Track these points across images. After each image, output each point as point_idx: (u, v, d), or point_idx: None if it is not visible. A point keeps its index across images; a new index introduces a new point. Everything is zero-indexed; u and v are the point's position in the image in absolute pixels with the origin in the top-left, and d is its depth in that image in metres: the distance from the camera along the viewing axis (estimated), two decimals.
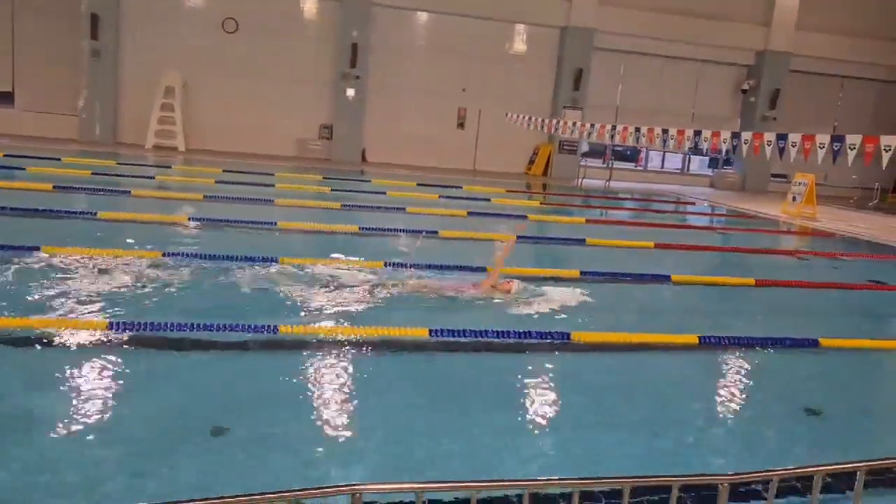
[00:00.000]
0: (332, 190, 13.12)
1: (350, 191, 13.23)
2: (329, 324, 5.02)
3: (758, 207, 17.25)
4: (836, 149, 9.42)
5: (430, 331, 4.94)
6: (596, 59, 21.81)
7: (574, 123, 16.51)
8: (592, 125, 15.64)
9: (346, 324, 5.03)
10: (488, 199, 13.90)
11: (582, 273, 7.39)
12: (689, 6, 21.77)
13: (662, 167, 27.21)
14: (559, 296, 6.36)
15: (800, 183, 16.44)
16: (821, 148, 9.42)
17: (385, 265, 6.89)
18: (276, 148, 20.33)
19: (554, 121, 16.35)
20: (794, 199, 16.44)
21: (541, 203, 14.03)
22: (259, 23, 19.70)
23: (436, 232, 9.27)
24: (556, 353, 4.97)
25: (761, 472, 2.53)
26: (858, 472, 2.51)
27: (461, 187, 15.71)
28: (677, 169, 26.49)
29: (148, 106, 18.56)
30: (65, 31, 18.50)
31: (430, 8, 20.56)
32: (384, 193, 13.39)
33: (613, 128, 14.53)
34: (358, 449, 3.34)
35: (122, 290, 5.42)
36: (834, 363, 5.44)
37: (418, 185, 15.46)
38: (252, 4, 19.61)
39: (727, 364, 5.18)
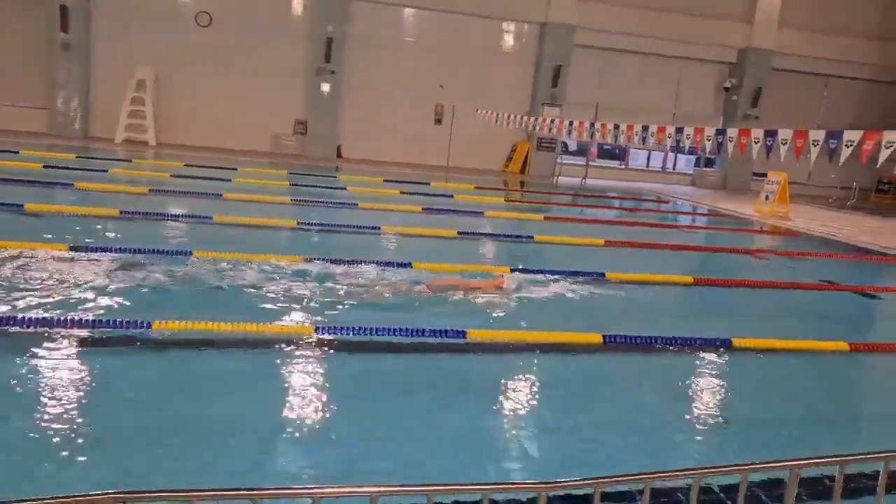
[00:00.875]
0: (290, 185, 12.96)
1: (310, 186, 13.05)
2: (200, 319, 4.84)
3: (732, 206, 17.06)
4: (769, 143, 9.22)
5: (316, 327, 4.77)
6: (576, 56, 21.60)
7: (535, 119, 16.29)
8: (552, 121, 15.48)
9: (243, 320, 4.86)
10: (451, 196, 13.72)
11: (511, 269, 7.21)
12: (671, 3, 21.56)
13: (648, 166, 27.06)
14: (478, 293, 6.19)
15: (773, 182, 16.25)
16: (755, 143, 9.23)
17: (304, 260, 6.72)
18: (250, 143, 20.14)
19: (518, 116, 16.15)
20: (766, 197, 16.24)
21: (505, 200, 13.85)
22: (233, 16, 19.51)
23: (378, 228, 9.10)
24: (451, 353, 4.79)
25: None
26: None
27: (429, 184, 15.53)
28: (663, 167, 26.34)
29: (120, 100, 18.40)
30: (35, 23, 18.33)
31: (408, 3, 20.37)
32: (344, 189, 13.24)
33: (570, 123, 14.34)
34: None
35: (9, 282, 5.25)
36: (744, 365, 5.25)
37: (385, 181, 15.28)
38: None
39: (630, 365, 5.00)
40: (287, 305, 5.39)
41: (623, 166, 25.13)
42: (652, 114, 22.84)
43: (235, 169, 14.60)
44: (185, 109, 19.46)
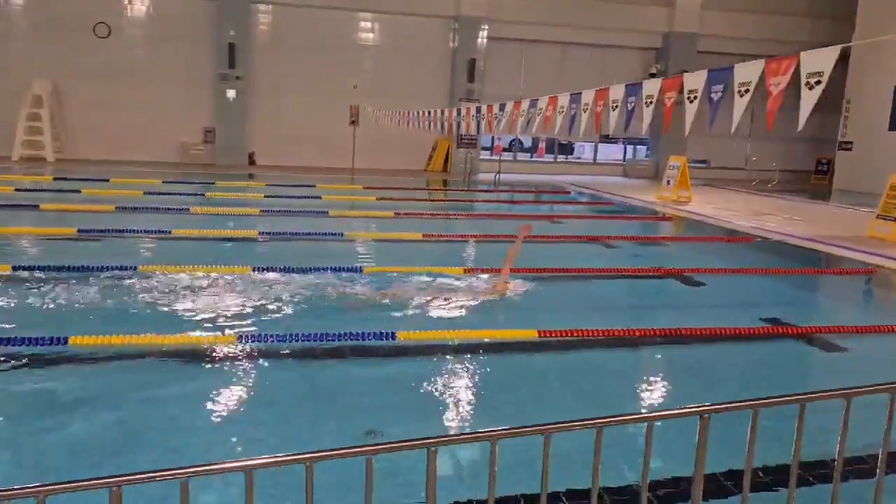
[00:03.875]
0: (145, 194, 12.51)
1: (169, 194, 12.63)
2: None
3: (637, 194, 16.50)
4: (573, 110, 8.43)
5: None
6: (494, 49, 21.16)
7: (441, 113, 15.80)
8: (459, 112, 14.96)
9: None
10: (319, 197, 13.27)
11: (254, 269, 6.74)
12: None
13: (594, 159, 26.58)
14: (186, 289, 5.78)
15: (674, 166, 15.71)
16: (560, 112, 8.55)
17: (14, 269, 6.27)
18: (159, 154, 19.74)
19: (421, 112, 15.70)
20: (668, 182, 15.69)
21: (377, 199, 13.37)
22: (132, 26, 19.21)
23: (168, 231, 8.65)
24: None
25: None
26: None
27: (314, 185, 15.09)
28: (616, 159, 25.72)
29: (17, 116, 18.05)
30: None
31: (313, 3, 19.95)
32: (202, 195, 12.81)
33: (479, 111, 13.66)
34: None
35: None
36: (410, 361, 4.75)
37: (267, 185, 14.88)
38: (123, 7, 19.10)
39: (249, 367, 4.48)
40: None
41: (553, 160, 24.60)
42: (578, 103, 22.31)
43: (107, 180, 14.23)
44: (89, 123, 19.13)
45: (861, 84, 19.78)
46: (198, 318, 5.26)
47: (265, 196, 12.91)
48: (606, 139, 25.28)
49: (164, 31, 19.35)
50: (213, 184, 14.82)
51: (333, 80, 20.46)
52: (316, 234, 9.17)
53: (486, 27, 20.75)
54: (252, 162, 20.30)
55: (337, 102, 20.56)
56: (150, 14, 19.29)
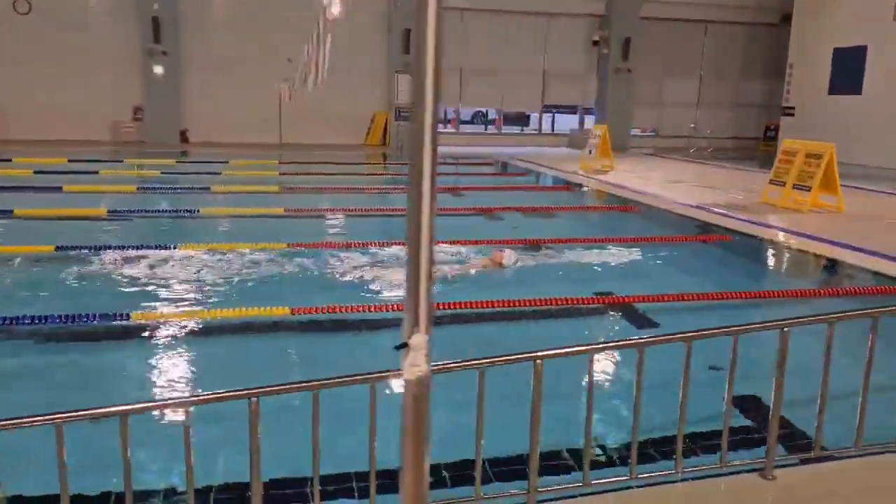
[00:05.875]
0: (35, 173, 12.20)
1: (63, 172, 12.31)
2: None
3: (564, 165, 16.15)
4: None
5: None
6: None
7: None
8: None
9: None
10: (220, 174, 12.95)
11: (57, 248, 6.48)
12: None
13: (552, 130, 26.18)
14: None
15: (595, 135, 15.39)
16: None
17: None
18: (90, 133, 19.29)
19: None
20: (590, 152, 15.37)
21: (279, 174, 13.08)
22: (53, 1, 18.69)
23: (10, 211, 8.38)
24: None
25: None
26: None
27: (227, 162, 14.75)
28: (571, 130, 25.14)
29: None
30: None
31: None
32: (96, 173, 12.49)
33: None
34: None
35: None
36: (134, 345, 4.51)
37: (177, 161, 14.57)
38: None
39: None
40: None
41: (496, 132, 24.24)
42: (521, 74, 21.95)
43: (9, 160, 13.92)
44: (14, 103, 18.71)
45: (803, 48, 19.33)
46: None
47: (161, 173, 12.62)
48: (558, 109, 24.86)
49: (87, 5, 18.91)
50: (121, 161, 14.49)
51: (266, 54, 19.98)
52: (172, 210, 8.90)
53: None
54: (185, 140, 19.92)
55: (271, 77, 20.10)
56: None
